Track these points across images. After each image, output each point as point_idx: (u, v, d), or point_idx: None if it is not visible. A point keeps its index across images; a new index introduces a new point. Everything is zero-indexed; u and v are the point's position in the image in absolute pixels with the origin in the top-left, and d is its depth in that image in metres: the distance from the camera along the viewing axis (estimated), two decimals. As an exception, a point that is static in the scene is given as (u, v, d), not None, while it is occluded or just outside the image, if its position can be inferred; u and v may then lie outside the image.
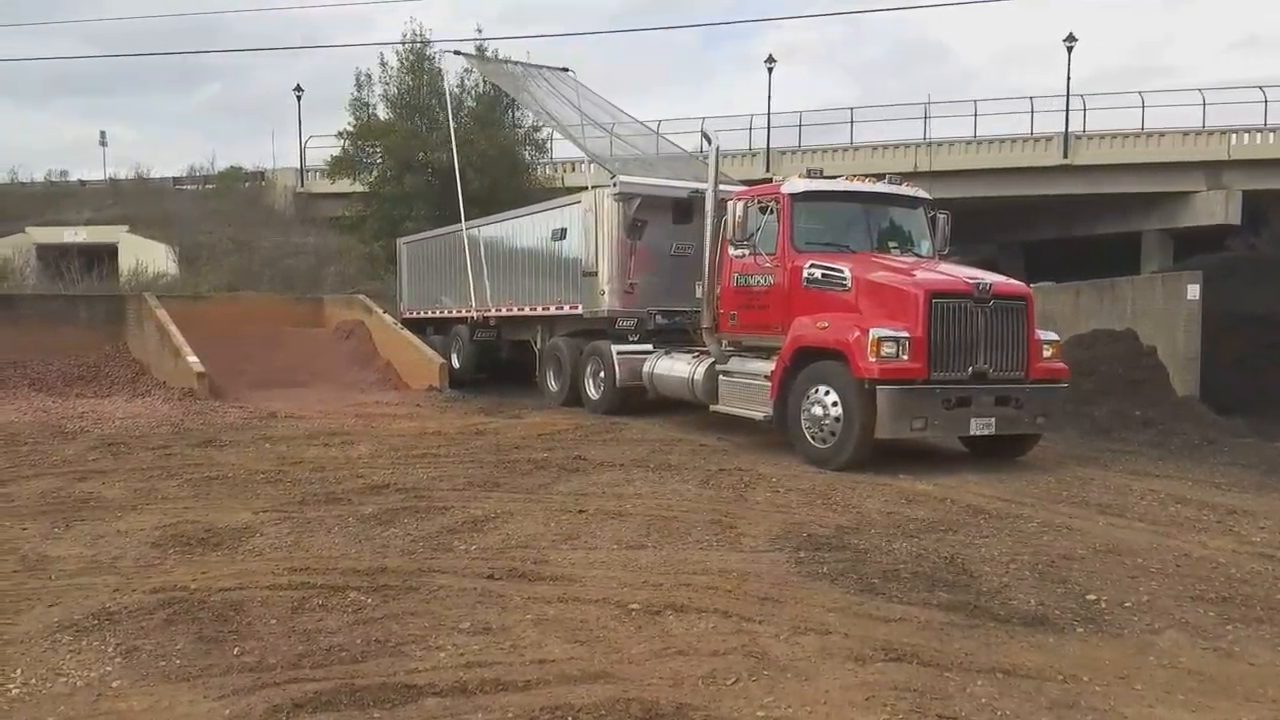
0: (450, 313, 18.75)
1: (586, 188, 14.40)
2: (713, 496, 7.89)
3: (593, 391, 14.08)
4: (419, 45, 24.59)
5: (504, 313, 16.58)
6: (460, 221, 17.61)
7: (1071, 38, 40.56)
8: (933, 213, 11.49)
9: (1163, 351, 15.12)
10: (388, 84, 24.91)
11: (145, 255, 30.01)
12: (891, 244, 11.02)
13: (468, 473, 8.81)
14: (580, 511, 7.12)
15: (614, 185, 13.42)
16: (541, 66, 17.06)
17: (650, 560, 5.94)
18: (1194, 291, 14.68)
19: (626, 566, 5.80)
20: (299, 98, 40.49)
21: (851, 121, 42.03)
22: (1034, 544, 6.60)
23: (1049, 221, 42.09)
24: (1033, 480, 9.03)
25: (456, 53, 16.18)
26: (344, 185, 27.70)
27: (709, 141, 11.77)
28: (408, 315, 20.38)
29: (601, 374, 13.82)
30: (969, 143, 41.48)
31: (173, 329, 16.18)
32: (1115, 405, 13.77)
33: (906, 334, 9.12)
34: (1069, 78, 40.35)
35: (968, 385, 9.36)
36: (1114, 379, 14.42)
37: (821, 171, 11.20)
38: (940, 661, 4.42)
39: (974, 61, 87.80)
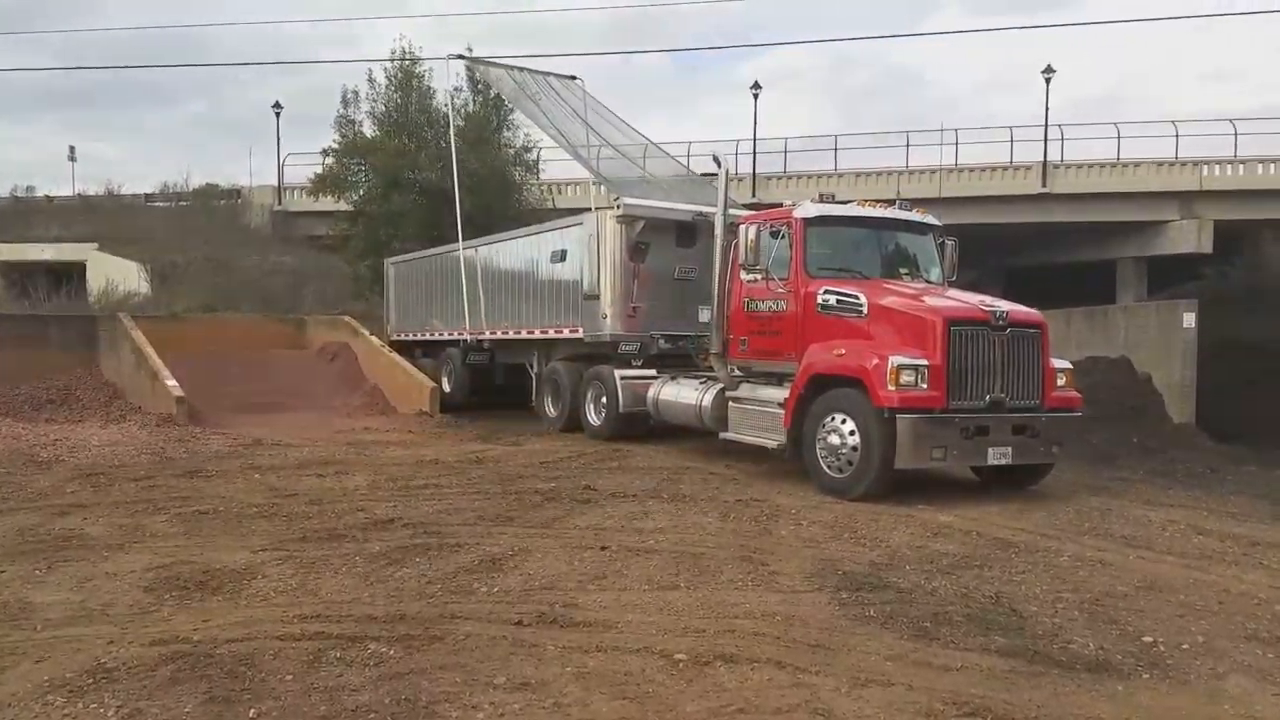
0: (440, 335, 18.35)
1: (581, 209, 14.13)
2: (736, 530, 7.57)
3: (594, 417, 13.72)
4: (407, 63, 24.19)
5: (499, 335, 16.20)
6: (453, 241, 17.27)
7: (1050, 69, 41.07)
8: (941, 239, 11.30)
9: (1158, 379, 15.05)
10: (375, 101, 24.53)
11: (116, 273, 29.33)
12: (902, 270, 10.82)
13: (475, 505, 8.43)
14: (603, 548, 6.77)
15: (618, 207, 13.13)
16: (548, 74, 16.68)
17: (686, 602, 5.60)
18: (1190, 320, 14.63)
19: (662, 610, 5.46)
20: (278, 114, 40.02)
21: (836, 149, 42.30)
22: (1072, 580, 6.36)
23: (1028, 248, 42.49)
24: (1052, 511, 8.80)
25: (460, 57, 15.64)
26: (325, 203, 27.21)
27: (719, 165, 11.51)
28: (395, 337, 19.94)
29: (603, 399, 13.46)
30: (951, 170, 41.84)
31: (150, 351, 15.64)
32: (1114, 432, 13.65)
33: (925, 362, 8.88)
34: (1047, 108, 40.79)
35: (985, 414, 9.13)
36: (1111, 406, 14.31)
37: (834, 196, 10.98)
38: (1014, 716, 4.14)
39: (954, 89, 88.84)
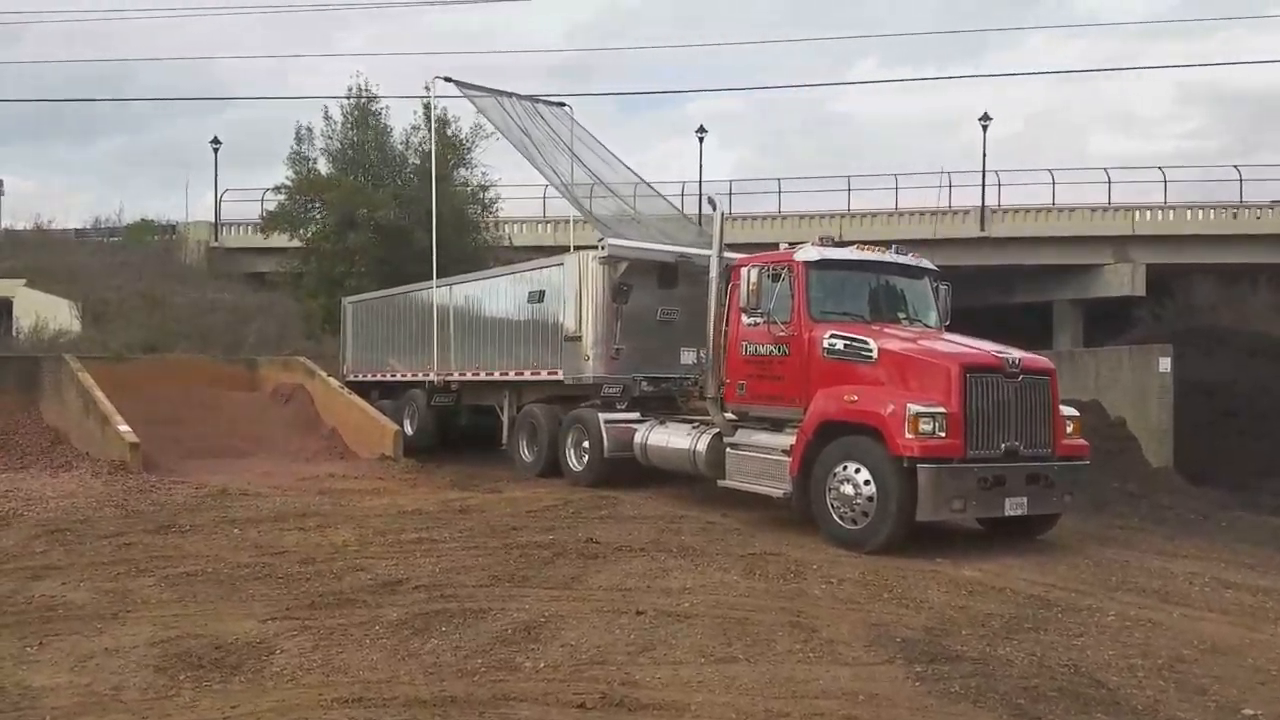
0: (402, 376, 17.74)
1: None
2: (767, 590, 7.20)
3: (575, 462, 13.25)
4: (364, 100, 23.66)
5: (468, 377, 15.66)
6: (412, 280, 16.72)
7: (986, 116, 42.15)
8: (936, 283, 11.20)
9: (1132, 423, 15.12)
10: (331, 138, 23.87)
11: (46, 311, 27.91)
12: (900, 314, 10.67)
13: (479, 562, 7.92)
14: (638, 613, 6.34)
15: (602, 248, 12.80)
16: (537, 99, 16.29)
17: (752, 679, 5.19)
18: (1166, 364, 14.78)
19: (730, 688, 5.05)
20: (216, 150, 38.96)
21: (780, 191, 42.84)
22: (1134, 644, 6.12)
23: (967, 290, 43.12)
24: (1071, 564, 8.63)
25: (448, 79, 15.13)
26: (264, 240, 26.38)
27: (714, 207, 11.27)
28: (351, 378, 19.21)
29: (585, 444, 13.01)
30: (891, 214, 42.62)
31: (100, 394, 14.72)
32: (1094, 477, 13.62)
33: (943, 409, 8.67)
34: (985, 154, 41.84)
35: (1001, 463, 8.95)
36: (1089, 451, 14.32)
37: (833, 239, 10.81)
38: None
39: (878, 133, 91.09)
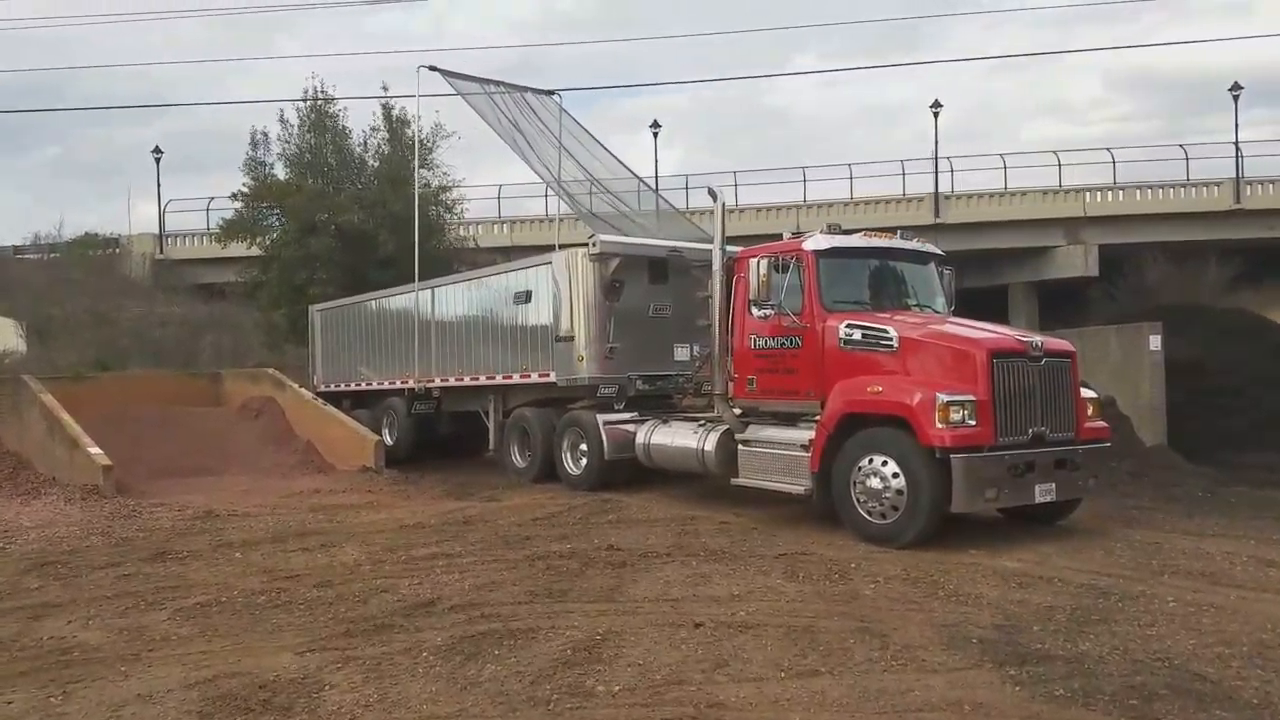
0: (377, 385, 17.16)
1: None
2: (819, 593, 6.90)
3: (572, 466, 12.84)
4: (319, 103, 22.87)
5: (451, 383, 15.15)
6: (388, 286, 16.13)
7: (937, 104, 42.46)
8: (941, 268, 11.01)
9: (1123, 402, 15.12)
10: (287, 142, 23.05)
11: (-12, 332, 26.76)
12: (909, 301, 10.44)
13: (507, 577, 7.52)
14: (696, 625, 5.99)
15: (593, 245, 12.39)
16: (525, 89, 15.70)
17: (841, 692, 4.88)
18: (1156, 342, 14.76)
19: (822, 704, 4.73)
20: (158, 160, 37.77)
21: (736, 185, 42.69)
22: (1205, 630, 5.94)
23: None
24: (1105, 548, 8.47)
25: (432, 68, 14.49)
26: (213, 250, 25.50)
27: (715, 198, 10.94)
28: (323, 389, 18.55)
29: (583, 446, 12.61)
30: (846, 204, 42.76)
31: (66, 416, 13.95)
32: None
33: (973, 397, 8.44)
34: (936, 141, 42.16)
35: (1030, 449, 8.76)
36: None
37: (840, 226, 10.53)
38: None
39: (820, 125, 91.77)
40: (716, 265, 10.66)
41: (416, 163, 17.34)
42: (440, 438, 16.68)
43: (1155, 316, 16.80)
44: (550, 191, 14.57)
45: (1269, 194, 39.31)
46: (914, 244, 10.75)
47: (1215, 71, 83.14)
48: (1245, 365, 16.86)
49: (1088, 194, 40.73)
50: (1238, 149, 39.36)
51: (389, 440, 16.40)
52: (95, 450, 13.02)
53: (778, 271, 9.93)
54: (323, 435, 16.56)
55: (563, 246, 13.25)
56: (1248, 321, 18.69)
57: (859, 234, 10.61)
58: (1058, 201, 40.91)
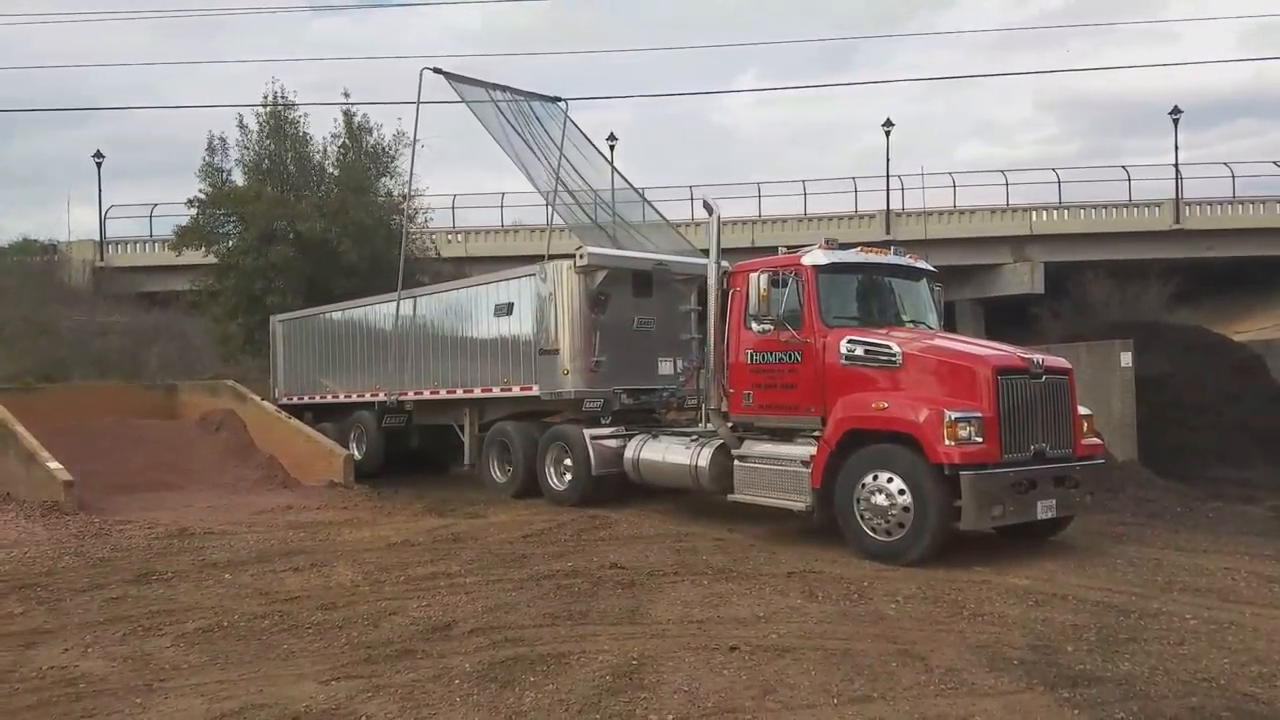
0: (344, 397, 16.72)
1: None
2: (842, 614, 6.78)
3: (556, 482, 12.60)
4: (279, 108, 22.34)
5: (425, 395, 14.80)
6: (340, 298, 15.72)
7: (889, 123, 43.12)
8: (932, 284, 11.04)
9: (1095, 419, 15.33)
10: (246, 148, 22.45)
11: (-82, 340, 25.61)
12: (904, 317, 10.44)
13: (516, 598, 7.28)
14: (732, 649, 5.83)
15: (580, 257, 12.20)
16: (530, 95, 15.39)
17: (900, 719, 4.76)
18: (1127, 359, 15.01)
19: (887, 730, 4.61)
20: (99, 164, 36.61)
21: (691, 199, 42.71)
22: (1235, 648, 5.96)
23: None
24: (1106, 565, 8.51)
25: (436, 70, 14.12)
26: (156, 257, 24.76)
27: (710, 211, 10.84)
28: (285, 401, 18.03)
29: (568, 461, 12.38)
30: (801, 219, 43.19)
31: (22, 429, 13.32)
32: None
33: (979, 414, 8.44)
34: (888, 159, 42.80)
35: (1032, 466, 8.79)
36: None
37: (837, 241, 10.49)
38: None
39: (760, 143, 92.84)
40: (712, 279, 10.53)
41: (412, 167, 17.09)
42: (410, 452, 16.31)
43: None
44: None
45: (1207, 214, 40.60)
46: (909, 260, 10.75)
47: (1143, 95, 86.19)
48: (1208, 381, 17.25)
49: (1034, 213, 41.69)
50: (1178, 171, 40.63)
51: (357, 454, 16.01)
52: (55, 465, 12.45)
53: (779, 287, 9.85)
54: (287, 449, 16.08)
55: (553, 257, 13.02)
56: (1207, 338, 19.12)
57: (855, 249, 10.57)
58: (1005, 220, 41.81)
